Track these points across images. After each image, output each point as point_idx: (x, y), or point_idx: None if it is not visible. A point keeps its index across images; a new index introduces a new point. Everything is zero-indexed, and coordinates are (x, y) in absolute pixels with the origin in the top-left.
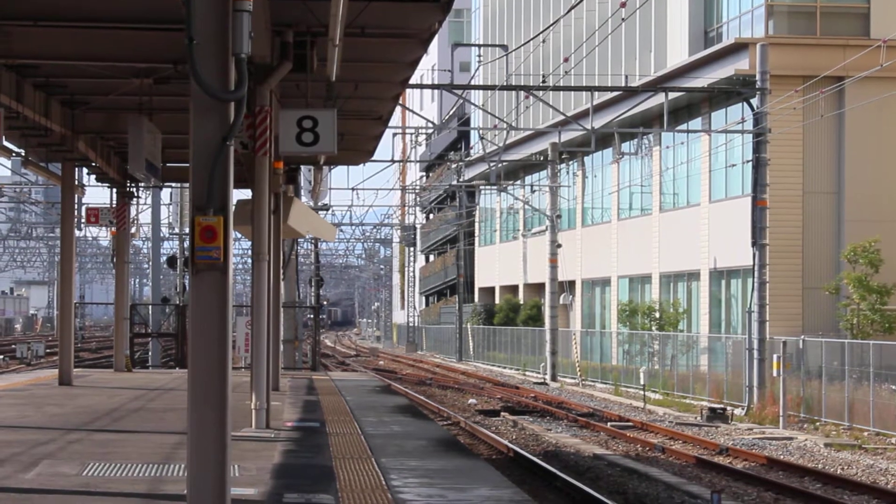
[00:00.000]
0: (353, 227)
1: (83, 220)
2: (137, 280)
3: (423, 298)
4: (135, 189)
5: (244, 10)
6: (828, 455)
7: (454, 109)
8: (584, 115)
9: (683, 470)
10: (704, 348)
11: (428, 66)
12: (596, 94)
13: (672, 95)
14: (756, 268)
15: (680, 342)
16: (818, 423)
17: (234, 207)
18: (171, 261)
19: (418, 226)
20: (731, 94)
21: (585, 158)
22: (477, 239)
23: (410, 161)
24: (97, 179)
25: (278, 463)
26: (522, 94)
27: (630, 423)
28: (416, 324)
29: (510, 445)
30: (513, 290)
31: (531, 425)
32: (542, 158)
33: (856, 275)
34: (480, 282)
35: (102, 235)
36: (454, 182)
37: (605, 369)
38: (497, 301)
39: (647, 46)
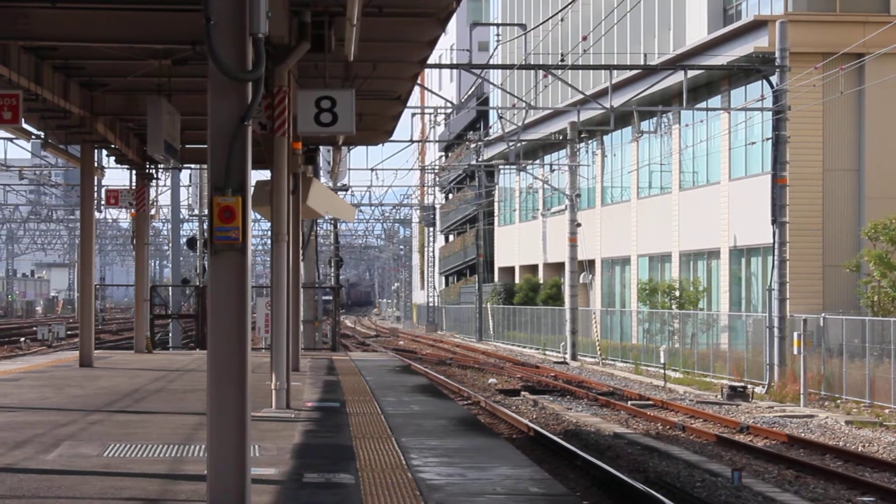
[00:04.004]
0: (373, 208)
1: (103, 202)
2: (157, 262)
3: (443, 278)
4: (154, 171)
5: None
6: (849, 432)
7: (473, 89)
8: (602, 93)
9: (704, 448)
10: (724, 326)
11: (446, 46)
12: (615, 72)
13: (691, 73)
14: (776, 245)
15: (700, 320)
16: (839, 401)
17: (253, 188)
18: (191, 242)
19: (437, 206)
20: (751, 72)
21: (605, 137)
22: (496, 218)
23: (429, 141)
24: (116, 161)
25: (298, 443)
26: (541, 73)
27: (650, 402)
28: (435, 304)
29: (530, 425)
30: (532, 269)
31: (551, 404)
32: (561, 137)
33: (876, 252)
34: (500, 261)
35: (122, 217)
36: (473, 162)
37: (625, 348)
38: (517, 280)
39: (665, 24)
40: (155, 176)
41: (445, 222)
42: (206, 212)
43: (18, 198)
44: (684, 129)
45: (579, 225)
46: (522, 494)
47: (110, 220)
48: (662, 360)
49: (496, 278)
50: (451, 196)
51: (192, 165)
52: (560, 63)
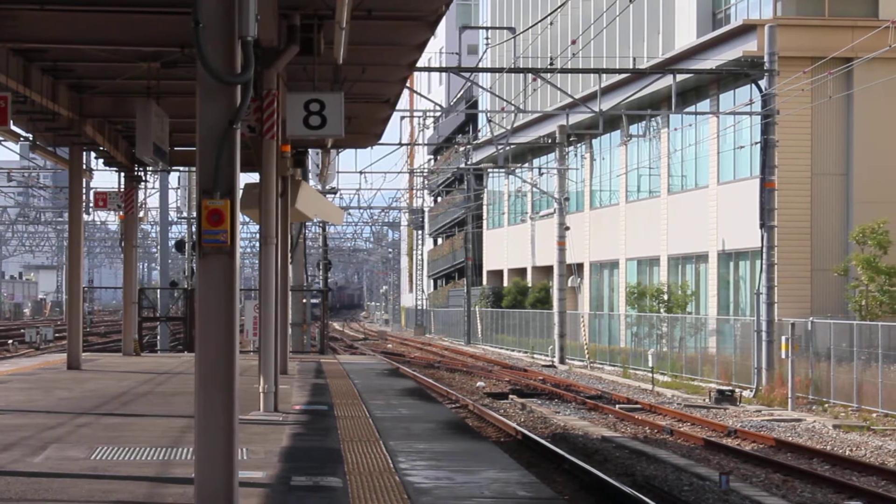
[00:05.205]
0: (361, 211)
1: (91, 205)
2: (146, 264)
3: (432, 282)
4: (143, 173)
5: None
6: (836, 436)
7: (462, 92)
8: (591, 97)
9: (692, 452)
10: (713, 330)
11: (436, 49)
12: (604, 76)
13: (680, 77)
14: (764, 249)
15: (688, 324)
16: (827, 405)
17: (241, 191)
18: (180, 245)
19: (426, 209)
20: (740, 76)
21: (593, 141)
22: (485, 222)
23: (418, 144)
24: (105, 164)
25: (286, 446)
26: (530, 76)
27: (638, 406)
28: (424, 307)
29: (518, 428)
30: (521, 272)
31: (539, 408)
32: (549, 141)
33: (864, 256)
34: (489, 265)
35: (111, 220)
36: (462, 165)
37: (613, 352)
38: (505, 284)
39: (654, 28)
40: (143, 178)
41: (434, 225)
42: (194, 214)
43: (7, 200)
44: (673, 133)
45: (568, 228)
46: (510, 498)
47: (99, 223)
48: (651, 364)
49: (485, 281)
50: (439, 199)
51: (181, 168)
52: (549, 66)
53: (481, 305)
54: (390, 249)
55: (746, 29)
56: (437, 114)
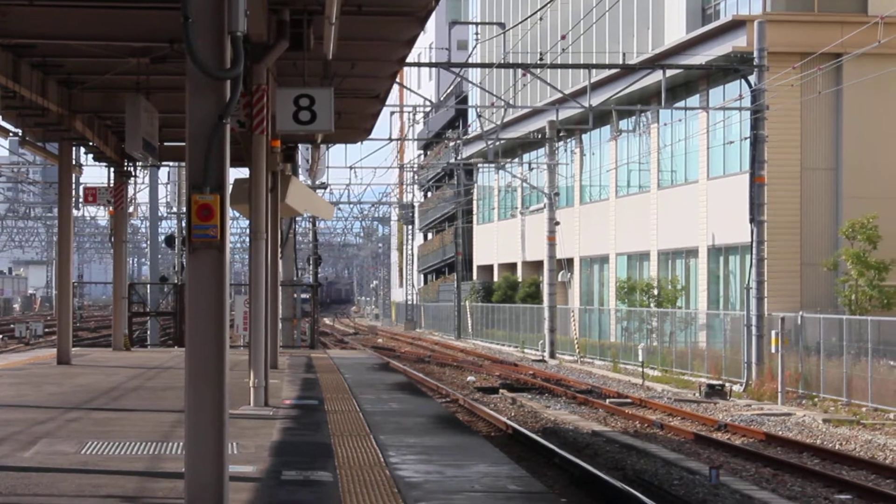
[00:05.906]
0: (351, 206)
1: (81, 200)
2: (136, 259)
3: (422, 276)
4: (132, 168)
5: None
6: (826, 430)
7: (452, 87)
8: (581, 92)
9: (682, 446)
10: (703, 325)
11: (425, 45)
12: (594, 71)
13: (670, 73)
14: (754, 244)
15: (678, 319)
16: (816, 399)
17: (231, 186)
18: (169, 240)
19: (416, 204)
20: (729, 72)
21: (583, 136)
22: (475, 217)
23: (408, 139)
24: (95, 159)
25: (277, 440)
26: (520, 71)
27: (629, 400)
28: (414, 302)
29: (509, 422)
30: (511, 267)
31: (530, 402)
32: (539, 136)
33: (854, 251)
34: (479, 260)
35: (100, 215)
36: (452, 160)
37: (603, 346)
38: (495, 279)
39: (644, 23)
40: (133, 173)
41: (424, 220)
42: (184, 209)
43: None
44: (663, 128)
45: (558, 223)
46: (500, 492)
47: (88, 218)
48: (641, 359)
49: (475, 276)
50: (429, 194)
51: (171, 163)
52: (539, 62)
53: (471, 300)
54: (380, 244)
55: (736, 24)
56: (427, 109)
